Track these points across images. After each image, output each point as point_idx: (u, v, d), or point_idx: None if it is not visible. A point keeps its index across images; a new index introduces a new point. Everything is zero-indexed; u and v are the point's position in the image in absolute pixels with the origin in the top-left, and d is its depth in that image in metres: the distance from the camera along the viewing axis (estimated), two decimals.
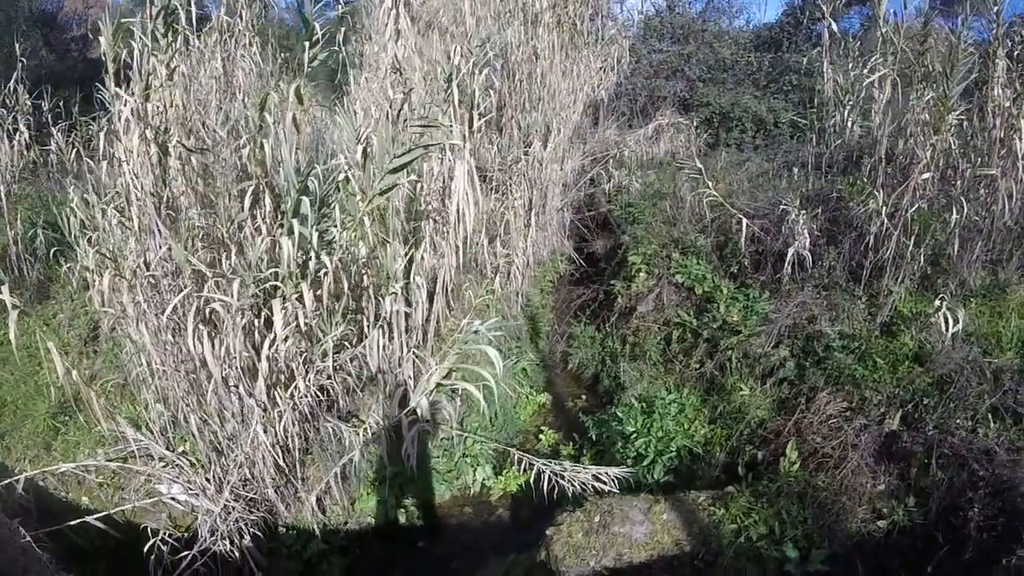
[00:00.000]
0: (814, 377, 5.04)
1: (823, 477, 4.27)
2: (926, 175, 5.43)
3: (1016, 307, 5.25)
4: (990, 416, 4.17)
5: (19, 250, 6.51)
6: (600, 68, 9.16)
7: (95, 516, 4.19)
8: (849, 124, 6.85)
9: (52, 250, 6.05)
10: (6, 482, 4.13)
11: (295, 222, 3.91)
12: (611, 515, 4.28)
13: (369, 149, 4.26)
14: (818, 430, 4.64)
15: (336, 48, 5.40)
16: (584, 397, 7.10)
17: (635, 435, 5.37)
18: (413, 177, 5.29)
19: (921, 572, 3.64)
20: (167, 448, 4.84)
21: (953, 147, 5.67)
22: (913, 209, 5.41)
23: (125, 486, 4.87)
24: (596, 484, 4.49)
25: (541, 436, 6.43)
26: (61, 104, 8.07)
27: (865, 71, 6.30)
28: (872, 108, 6.42)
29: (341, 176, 4.29)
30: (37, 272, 6.63)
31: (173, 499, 4.66)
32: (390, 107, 4.89)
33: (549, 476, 4.53)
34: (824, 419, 4.67)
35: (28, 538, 3.72)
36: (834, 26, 7.11)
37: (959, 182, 5.69)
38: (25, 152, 8.05)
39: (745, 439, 5.01)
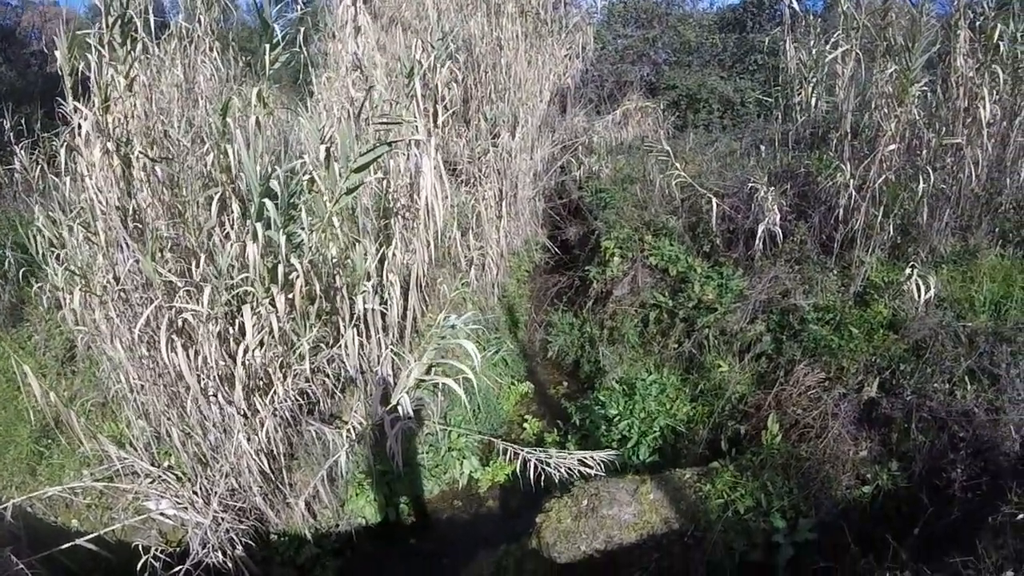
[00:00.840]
0: (791, 350, 5.11)
1: (806, 447, 4.34)
2: (892, 146, 5.52)
3: (987, 271, 5.32)
4: (967, 378, 4.23)
5: None
6: (565, 56, 9.16)
7: (85, 538, 4.13)
8: (814, 100, 6.93)
9: (22, 271, 5.93)
10: None
11: (259, 226, 3.87)
12: (599, 498, 4.31)
13: (333, 149, 4.23)
14: (798, 401, 4.70)
15: (297, 49, 5.36)
16: (566, 383, 7.15)
17: (618, 418, 5.43)
18: (380, 175, 5.26)
19: (908, 534, 3.68)
20: (152, 464, 4.78)
21: (918, 118, 5.74)
22: (881, 180, 5.49)
23: (113, 505, 4.81)
24: (582, 469, 4.53)
25: (525, 425, 6.46)
26: (23, 121, 7.91)
27: (828, 47, 6.37)
28: (836, 84, 6.50)
29: (306, 178, 4.26)
30: (9, 295, 6.49)
31: (162, 515, 4.61)
32: (352, 106, 4.85)
33: (535, 464, 4.57)
34: (803, 390, 4.74)
35: (21, 565, 3.69)
36: (796, 4, 7.16)
37: (925, 152, 5.77)
38: None
39: (727, 415, 5.08)
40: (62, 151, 4.49)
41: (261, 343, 4.08)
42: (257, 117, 4.22)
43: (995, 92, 5.47)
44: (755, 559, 3.97)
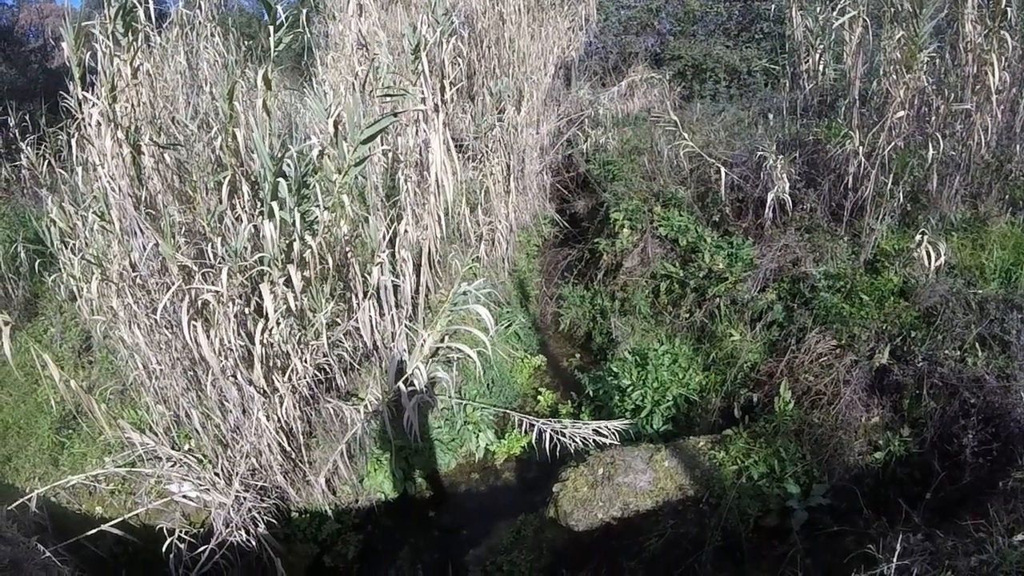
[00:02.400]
0: (802, 318, 5.12)
1: (818, 414, 4.38)
2: (901, 113, 5.47)
3: (997, 239, 5.28)
4: (978, 345, 4.23)
5: (2, 271, 6.41)
6: (568, 28, 9.08)
7: (110, 524, 4.26)
8: (822, 68, 6.86)
9: (36, 263, 5.98)
10: (18, 502, 4.14)
11: (274, 205, 3.91)
12: (614, 466, 4.37)
13: (340, 124, 4.24)
14: (810, 369, 4.74)
15: (300, 30, 5.35)
16: (578, 356, 7.19)
17: (631, 388, 5.47)
18: (386, 147, 5.27)
19: (920, 499, 3.72)
20: (173, 448, 4.86)
21: (927, 85, 5.67)
22: (890, 147, 5.45)
23: (136, 490, 4.86)
24: (597, 438, 4.59)
25: (539, 397, 6.53)
26: (27, 118, 7.93)
27: (834, 14, 6.30)
28: (844, 50, 6.42)
29: (315, 153, 4.27)
30: (23, 290, 6.54)
31: (185, 497, 4.69)
32: (356, 80, 4.85)
33: (550, 435, 4.64)
34: (815, 358, 4.77)
35: (48, 554, 3.75)
36: None
37: (934, 119, 5.70)
38: None
39: (739, 383, 5.12)
40: (72, 143, 4.53)
41: (278, 321, 4.14)
42: (264, 99, 4.23)
43: (1004, 58, 5.39)
44: (769, 524, 4.04)
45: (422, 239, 5.51)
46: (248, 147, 4.43)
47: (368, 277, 4.77)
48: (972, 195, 5.78)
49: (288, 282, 4.13)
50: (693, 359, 5.61)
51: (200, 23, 5.66)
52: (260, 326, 4.08)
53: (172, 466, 4.78)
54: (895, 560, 2.88)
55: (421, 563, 5.05)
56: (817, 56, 6.80)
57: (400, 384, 4.64)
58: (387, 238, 5.04)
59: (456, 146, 5.47)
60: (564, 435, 4.61)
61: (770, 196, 6.03)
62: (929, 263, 4.86)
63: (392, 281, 4.99)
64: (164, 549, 4.17)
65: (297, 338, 4.38)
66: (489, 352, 4.57)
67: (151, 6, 4.76)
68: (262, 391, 4.36)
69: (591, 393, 5.99)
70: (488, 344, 4.38)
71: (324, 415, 4.88)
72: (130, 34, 4.26)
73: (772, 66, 10.06)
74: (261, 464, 4.72)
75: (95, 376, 5.64)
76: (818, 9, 6.73)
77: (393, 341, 5.08)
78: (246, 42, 6.09)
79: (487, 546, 4.86)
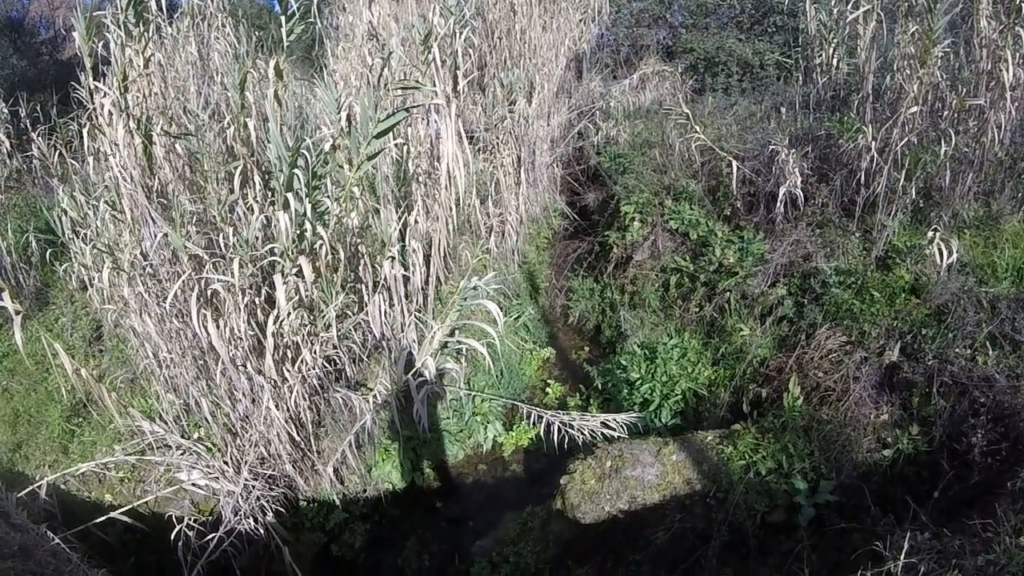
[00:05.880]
0: (812, 313, 5.10)
1: (827, 410, 4.37)
2: (914, 109, 5.43)
3: (1010, 237, 5.26)
4: (988, 344, 4.22)
5: (14, 260, 6.44)
6: (580, 20, 9.02)
7: (119, 511, 4.29)
8: (835, 62, 6.80)
9: (47, 252, 6.02)
10: (28, 489, 4.19)
11: (290, 196, 3.92)
12: (622, 460, 4.38)
13: (352, 117, 4.24)
14: (819, 365, 4.72)
15: (311, 20, 5.34)
16: (587, 348, 7.18)
17: (640, 381, 5.46)
18: (400, 140, 5.27)
19: (928, 498, 3.72)
20: (182, 436, 4.90)
21: (940, 80, 5.62)
22: (903, 143, 5.41)
23: (145, 478, 4.91)
24: (605, 431, 4.60)
25: (548, 389, 6.55)
26: (38, 108, 7.97)
27: (848, 8, 6.25)
28: (857, 45, 6.37)
29: (327, 146, 4.28)
30: (34, 279, 6.58)
31: (194, 485, 4.73)
32: (370, 72, 4.84)
33: (559, 427, 4.65)
34: (825, 354, 4.75)
35: (57, 541, 3.78)
36: None
37: (947, 114, 5.65)
38: (8, 161, 8.01)
39: (748, 378, 5.10)
40: (84, 133, 4.55)
41: (289, 312, 4.16)
42: (276, 90, 4.23)
43: (1018, 55, 5.34)
44: (776, 520, 4.05)
45: (432, 230, 5.51)
46: (259, 137, 4.45)
47: (379, 269, 4.77)
48: (985, 192, 5.74)
49: (299, 273, 4.14)
50: (702, 353, 5.59)
51: (211, 13, 5.67)
52: (272, 317, 4.10)
53: (181, 454, 4.83)
54: (902, 558, 2.88)
55: (428, 553, 5.09)
56: (830, 50, 6.75)
57: (409, 375, 4.65)
58: (397, 229, 5.05)
59: (467, 137, 5.46)
60: (572, 427, 4.62)
61: (782, 190, 6.00)
62: (941, 260, 4.84)
63: (402, 273, 5.00)
64: (173, 536, 4.21)
65: (307, 329, 4.40)
66: (498, 344, 4.57)
67: None
68: (272, 381, 4.38)
69: (600, 386, 5.99)
70: (497, 338, 4.39)
71: (333, 405, 4.90)
72: (141, 24, 4.27)
73: (785, 60, 9.97)
74: (270, 453, 4.76)
75: (105, 365, 5.68)
76: (832, 3, 6.68)
77: (402, 332, 5.09)
78: (257, 33, 6.09)
79: (494, 537, 4.89)
